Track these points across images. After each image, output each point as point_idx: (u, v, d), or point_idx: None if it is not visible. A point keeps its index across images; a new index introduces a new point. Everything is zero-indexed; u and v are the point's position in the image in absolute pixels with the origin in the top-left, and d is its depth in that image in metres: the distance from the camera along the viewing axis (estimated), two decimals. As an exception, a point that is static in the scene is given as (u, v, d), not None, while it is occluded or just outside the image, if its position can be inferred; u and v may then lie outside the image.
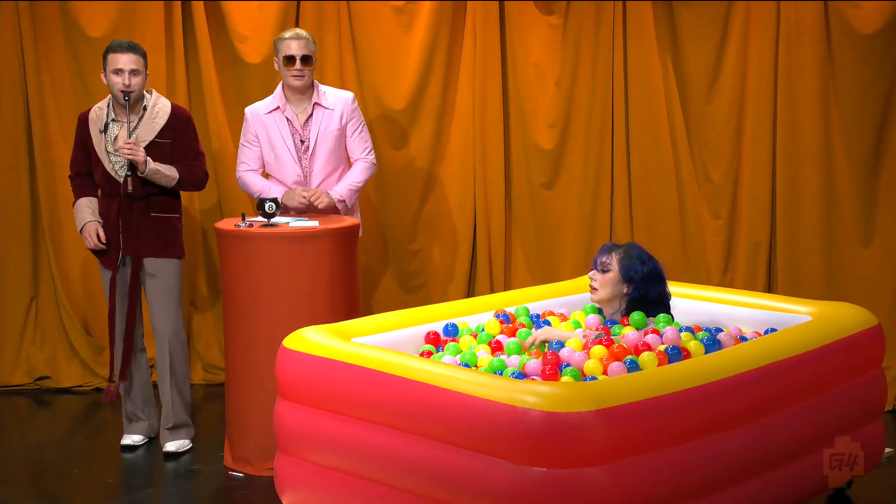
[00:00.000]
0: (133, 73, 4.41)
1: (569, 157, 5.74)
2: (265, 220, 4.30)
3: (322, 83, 5.25)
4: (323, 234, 4.25)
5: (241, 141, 4.85)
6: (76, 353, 5.60)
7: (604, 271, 3.63)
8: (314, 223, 4.33)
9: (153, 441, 4.69)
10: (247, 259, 4.22)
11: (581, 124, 5.72)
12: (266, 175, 4.87)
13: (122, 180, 4.45)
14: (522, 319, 3.83)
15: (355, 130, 4.85)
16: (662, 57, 5.64)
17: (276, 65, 4.79)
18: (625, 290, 3.62)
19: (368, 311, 5.06)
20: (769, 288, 5.68)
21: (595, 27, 5.63)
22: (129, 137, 4.41)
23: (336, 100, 4.80)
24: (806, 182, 5.61)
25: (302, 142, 4.75)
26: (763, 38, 5.53)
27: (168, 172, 4.47)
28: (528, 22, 5.64)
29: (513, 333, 3.70)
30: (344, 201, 4.74)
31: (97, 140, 4.50)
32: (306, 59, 4.70)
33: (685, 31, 5.58)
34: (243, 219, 4.33)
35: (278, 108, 4.76)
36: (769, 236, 5.68)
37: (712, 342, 3.55)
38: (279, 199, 4.66)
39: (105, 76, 4.47)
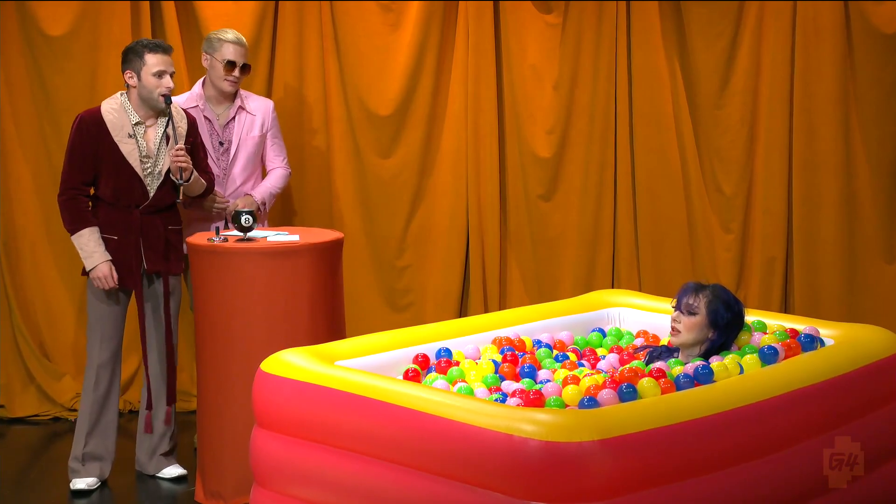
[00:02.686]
0: (172, 74, 4.47)
1: (568, 165, 5.77)
2: (241, 233, 4.30)
3: (303, 87, 5.29)
4: (303, 250, 4.25)
5: None
6: (33, 380, 5.57)
7: (690, 314, 3.63)
8: (294, 237, 4.34)
9: (105, 484, 4.66)
10: (221, 276, 4.22)
11: (581, 131, 5.74)
12: None
13: (150, 189, 4.46)
14: (546, 362, 3.78)
15: (275, 138, 5.09)
16: (669, 57, 5.68)
17: (204, 61, 4.93)
18: (709, 335, 3.63)
19: (353, 333, 5.05)
20: (785, 308, 5.70)
21: (597, 26, 5.67)
22: (167, 142, 4.44)
23: (258, 106, 5.02)
24: (824, 193, 5.65)
25: (221, 143, 4.94)
26: (778, 37, 5.57)
27: (200, 180, 4.58)
28: (524, 20, 5.67)
29: (517, 376, 3.65)
30: (265, 204, 5.00)
31: (127, 147, 4.44)
32: (246, 68, 4.92)
33: (694, 30, 5.62)
34: (217, 232, 4.33)
35: (197, 106, 4.91)
36: (785, 252, 5.71)
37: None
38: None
39: (137, 76, 4.44)
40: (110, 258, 4.45)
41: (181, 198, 4.47)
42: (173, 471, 4.68)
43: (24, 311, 5.57)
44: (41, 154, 5.52)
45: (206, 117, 4.92)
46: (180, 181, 4.41)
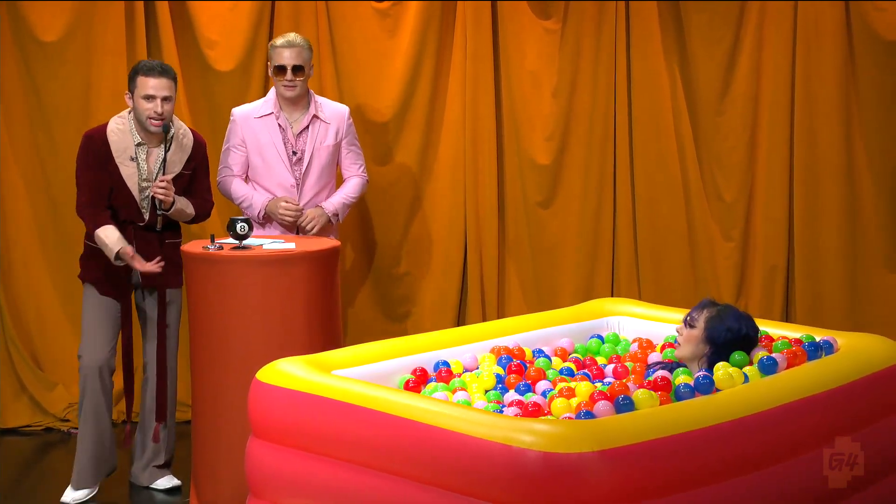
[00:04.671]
0: (165, 100, 4.38)
1: (567, 172, 5.78)
2: (236, 241, 4.31)
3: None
4: (300, 258, 4.26)
5: (226, 144, 4.94)
6: (25, 390, 5.57)
7: (690, 326, 3.70)
8: (290, 245, 4.35)
9: (97, 497, 4.65)
10: (216, 284, 4.22)
11: (581, 137, 5.76)
12: (246, 181, 4.97)
13: (145, 211, 4.46)
14: (549, 373, 3.78)
15: (351, 146, 5.01)
16: (669, 63, 5.70)
17: (269, 71, 4.90)
18: (706, 351, 3.67)
19: (350, 342, 5.07)
20: (786, 316, 5.71)
21: (596, 31, 5.68)
22: (161, 171, 4.41)
23: (332, 113, 4.94)
24: (826, 200, 5.66)
25: (294, 153, 4.87)
26: (779, 42, 5.59)
27: (187, 210, 4.54)
28: (523, 26, 5.69)
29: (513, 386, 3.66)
30: (337, 215, 4.93)
31: (128, 169, 4.43)
32: (298, 70, 4.79)
33: (694, 35, 5.63)
34: (212, 240, 4.33)
35: (272, 113, 4.86)
36: (786, 260, 5.72)
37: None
38: (259, 213, 4.82)
39: (131, 98, 4.42)
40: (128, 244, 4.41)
41: (159, 227, 4.45)
42: (167, 482, 4.68)
43: (17, 321, 5.57)
44: (34, 161, 5.53)
45: (279, 125, 4.84)
46: (160, 212, 4.41)
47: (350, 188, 5.00)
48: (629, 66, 5.71)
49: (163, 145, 4.44)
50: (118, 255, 4.37)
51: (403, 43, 5.65)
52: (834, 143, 5.62)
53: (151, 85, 4.36)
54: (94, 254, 4.51)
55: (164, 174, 4.42)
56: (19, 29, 5.44)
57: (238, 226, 4.27)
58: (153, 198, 4.43)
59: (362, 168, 5.05)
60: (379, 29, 5.66)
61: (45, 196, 5.55)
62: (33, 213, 5.53)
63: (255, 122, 4.88)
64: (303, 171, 4.88)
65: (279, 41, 4.84)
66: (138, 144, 4.44)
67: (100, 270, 4.50)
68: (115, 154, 4.42)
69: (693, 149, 5.71)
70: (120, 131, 4.45)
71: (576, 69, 5.71)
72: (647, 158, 5.75)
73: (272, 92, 4.92)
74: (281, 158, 4.86)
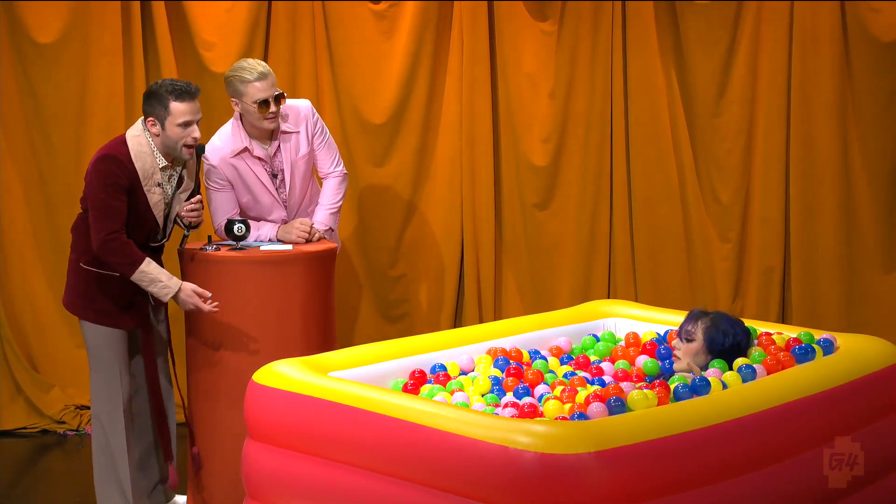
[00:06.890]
0: (199, 121, 4.06)
1: (564, 174, 5.77)
2: (234, 243, 4.31)
3: (297, 95, 5.26)
4: (296, 259, 4.26)
5: (208, 189, 4.51)
6: (21, 392, 5.55)
7: (688, 340, 3.74)
8: (287, 247, 4.34)
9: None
10: (213, 285, 4.20)
11: (577, 139, 5.75)
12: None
13: (161, 234, 4.17)
14: (547, 376, 3.77)
15: (321, 142, 4.62)
16: (666, 65, 5.69)
17: (235, 106, 4.43)
18: (707, 361, 3.70)
19: (346, 343, 5.06)
20: (783, 318, 5.71)
21: (592, 33, 5.68)
22: (179, 191, 4.15)
23: (296, 118, 4.54)
24: (822, 202, 5.66)
25: (275, 175, 4.56)
26: (775, 45, 5.59)
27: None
28: (519, 28, 5.68)
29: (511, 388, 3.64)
30: (330, 228, 4.63)
31: (154, 196, 4.06)
32: (280, 98, 4.41)
33: (691, 37, 5.63)
34: (209, 241, 4.33)
35: (245, 148, 4.45)
36: (782, 261, 5.72)
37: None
38: (275, 234, 4.55)
39: (161, 125, 4.01)
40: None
41: (184, 246, 4.25)
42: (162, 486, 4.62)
43: (13, 322, 5.56)
44: (31, 163, 5.51)
45: (259, 158, 4.45)
46: (187, 233, 4.23)
47: (330, 194, 4.63)
48: (626, 67, 5.70)
49: (178, 166, 4.14)
50: (179, 292, 4.00)
51: (400, 44, 5.64)
52: (830, 144, 5.62)
53: (189, 110, 4.00)
54: (100, 281, 4.09)
55: (180, 192, 4.15)
56: (15, 30, 5.43)
57: (235, 227, 4.27)
58: (180, 219, 4.21)
59: (335, 163, 4.65)
60: (376, 30, 5.65)
61: (42, 198, 5.54)
62: (30, 215, 5.52)
63: (233, 161, 4.46)
64: (287, 191, 4.57)
65: (247, 74, 4.34)
66: (163, 168, 4.09)
67: (108, 299, 4.08)
68: (142, 181, 4.02)
69: (690, 151, 5.71)
70: (144, 154, 4.04)
71: (572, 71, 5.70)
72: (643, 160, 5.74)
73: (237, 124, 4.46)
74: (269, 192, 4.53)
